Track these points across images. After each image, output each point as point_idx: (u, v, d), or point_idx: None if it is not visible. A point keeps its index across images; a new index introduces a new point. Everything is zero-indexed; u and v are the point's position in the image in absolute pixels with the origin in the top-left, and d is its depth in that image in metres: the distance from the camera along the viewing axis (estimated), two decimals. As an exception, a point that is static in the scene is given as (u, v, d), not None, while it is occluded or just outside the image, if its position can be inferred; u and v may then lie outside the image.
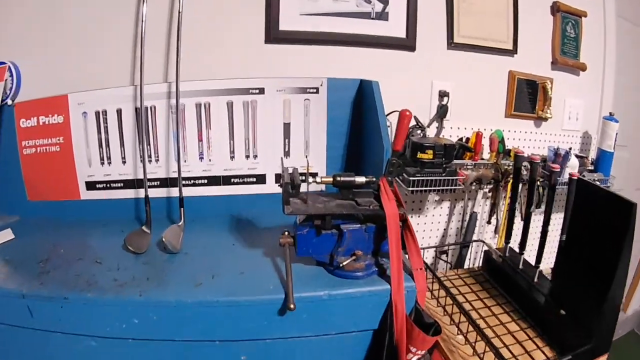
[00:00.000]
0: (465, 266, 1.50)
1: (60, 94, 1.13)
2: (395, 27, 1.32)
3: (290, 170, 0.87)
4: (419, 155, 1.26)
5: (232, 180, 1.19)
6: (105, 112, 1.14)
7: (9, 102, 1.13)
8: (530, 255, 1.24)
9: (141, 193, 1.16)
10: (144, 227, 1.07)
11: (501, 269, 1.29)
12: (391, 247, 0.80)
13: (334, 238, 0.85)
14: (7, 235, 1.03)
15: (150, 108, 1.13)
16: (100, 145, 1.16)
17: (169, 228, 1.02)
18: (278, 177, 1.19)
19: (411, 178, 1.24)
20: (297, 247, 0.85)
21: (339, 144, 1.21)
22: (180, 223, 1.09)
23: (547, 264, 1.27)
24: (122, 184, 1.18)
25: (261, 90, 1.14)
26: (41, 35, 1.15)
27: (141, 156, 1.14)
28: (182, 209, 1.11)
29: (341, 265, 0.83)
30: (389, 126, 1.17)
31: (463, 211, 1.52)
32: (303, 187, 0.84)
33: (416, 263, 0.85)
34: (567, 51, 1.63)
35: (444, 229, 1.54)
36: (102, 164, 1.17)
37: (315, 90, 1.16)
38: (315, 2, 1.24)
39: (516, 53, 1.53)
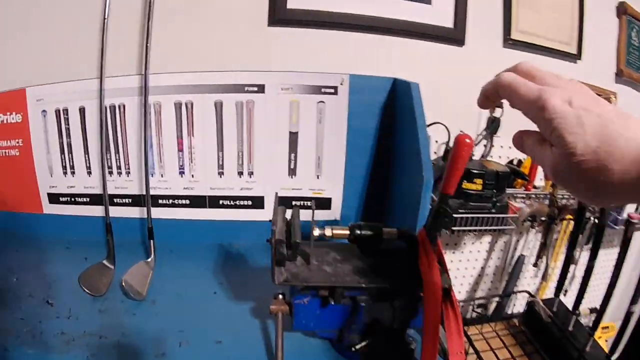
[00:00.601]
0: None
1: (19, 87, 0.89)
2: (441, 14, 1.00)
3: (288, 217, 0.59)
4: (465, 185, 0.95)
5: (221, 202, 0.90)
6: (66, 111, 0.87)
7: None
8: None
9: (111, 211, 0.90)
10: (105, 261, 0.82)
11: (547, 329, 1.04)
12: (426, 329, 0.53)
13: (345, 310, 0.57)
14: None
15: (119, 107, 0.86)
16: (62, 151, 0.90)
17: (134, 266, 0.78)
18: (282, 201, 0.89)
19: (454, 215, 0.93)
20: (293, 319, 0.58)
21: (361, 161, 0.89)
22: (149, 259, 0.82)
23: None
24: (87, 199, 0.92)
25: (260, 88, 0.84)
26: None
27: (108, 167, 0.87)
28: (151, 241, 0.84)
29: (354, 348, 0.58)
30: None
31: (506, 248, 1.18)
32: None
33: (456, 346, 0.56)
34: (632, 62, 1.30)
35: (482, 268, 1.21)
36: (65, 173, 0.91)
37: (332, 90, 0.85)
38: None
39: (580, 59, 1.19)
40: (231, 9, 0.89)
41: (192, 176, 0.88)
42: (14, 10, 0.87)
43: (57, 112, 0.88)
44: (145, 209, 0.87)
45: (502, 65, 1.01)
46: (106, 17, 0.80)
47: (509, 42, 1.09)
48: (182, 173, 0.88)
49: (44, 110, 0.88)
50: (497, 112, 1.07)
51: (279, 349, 0.56)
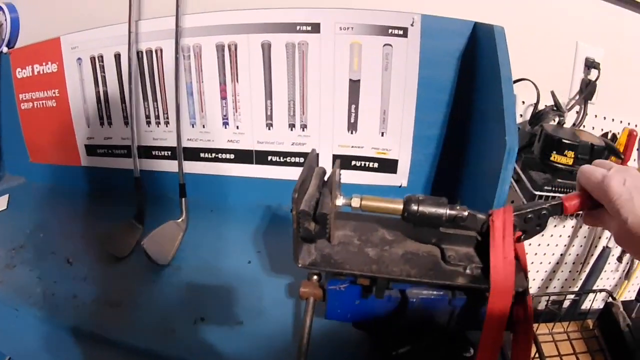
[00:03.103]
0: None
1: (54, 36, 0.79)
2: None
3: (323, 176, 0.43)
4: (554, 157, 0.73)
5: (270, 158, 0.73)
6: (101, 58, 0.75)
7: (4, 49, 0.86)
8: None
9: (149, 164, 0.77)
10: (133, 220, 0.68)
11: (622, 337, 0.85)
12: (485, 336, 0.36)
13: (391, 304, 0.41)
14: (1, 204, 0.83)
15: (156, 51, 0.71)
16: (99, 101, 0.78)
17: (161, 227, 0.64)
18: (341, 160, 0.70)
19: (537, 192, 0.70)
20: (327, 307, 0.43)
21: (435, 118, 0.69)
22: (179, 220, 0.67)
23: None
24: (125, 151, 0.80)
25: (315, 27, 0.66)
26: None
27: (146, 116, 0.73)
28: (183, 199, 0.69)
29: (395, 353, 0.43)
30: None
31: (590, 237, 0.94)
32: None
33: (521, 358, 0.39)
34: None
35: (561, 255, 0.98)
36: (102, 124, 0.79)
37: (401, 32, 0.66)
38: None
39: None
40: None
41: (237, 127, 0.71)
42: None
43: (93, 59, 0.76)
44: (187, 163, 0.73)
45: (596, 21, 0.76)
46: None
47: (606, -8, 0.84)
48: (225, 124, 0.72)
49: (79, 58, 0.77)
50: (593, 75, 0.83)
51: (304, 342, 0.39)
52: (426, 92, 0.68)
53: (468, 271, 0.38)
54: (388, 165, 0.70)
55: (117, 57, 0.73)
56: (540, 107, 0.78)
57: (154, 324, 0.51)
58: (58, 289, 0.57)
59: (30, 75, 0.83)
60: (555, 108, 0.78)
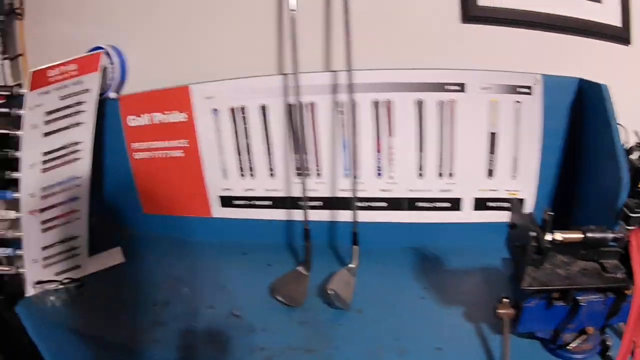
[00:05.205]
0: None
1: (179, 84, 0.81)
2: (609, 11, 0.92)
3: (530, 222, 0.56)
4: (640, 185, 0.88)
5: (418, 204, 0.81)
6: (243, 109, 0.79)
7: (112, 94, 0.84)
8: None
9: (295, 215, 0.83)
10: (300, 268, 0.75)
11: None
12: (627, 330, 0.51)
13: (565, 311, 0.56)
14: (115, 256, 0.80)
15: (308, 105, 0.77)
16: (239, 152, 0.82)
17: (337, 273, 0.70)
18: (479, 202, 0.81)
19: (632, 214, 0.85)
20: (520, 321, 0.56)
21: (552, 161, 0.81)
22: (351, 265, 0.74)
23: None
24: (270, 202, 0.84)
25: (461, 87, 0.76)
26: (151, 14, 0.83)
27: (297, 168, 0.79)
28: (355, 247, 0.76)
29: (569, 347, 0.57)
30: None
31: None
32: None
33: None
34: None
35: None
36: (243, 175, 0.84)
37: (527, 90, 0.77)
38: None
39: None
40: (423, 5, 0.80)
41: (391, 177, 0.79)
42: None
43: (232, 110, 0.80)
44: (337, 212, 0.80)
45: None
46: (294, 9, 0.71)
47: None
48: (379, 174, 0.79)
49: (214, 109, 0.81)
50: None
51: (507, 354, 0.54)
52: (548, 140, 0.80)
53: (619, 276, 0.53)
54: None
55: (264, 108, 0.78)
56: (626, 144, 0.94)
57: (364, 360, 0.56)
58: (236, 342, 0.59)
59: (149, 124, 0.84)
60: (638, 144, 0.94)
